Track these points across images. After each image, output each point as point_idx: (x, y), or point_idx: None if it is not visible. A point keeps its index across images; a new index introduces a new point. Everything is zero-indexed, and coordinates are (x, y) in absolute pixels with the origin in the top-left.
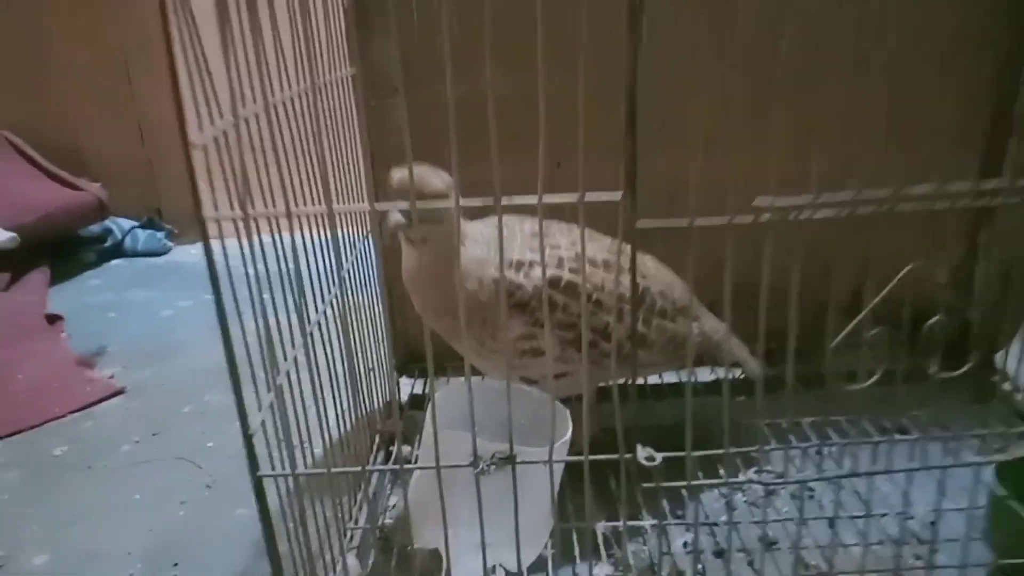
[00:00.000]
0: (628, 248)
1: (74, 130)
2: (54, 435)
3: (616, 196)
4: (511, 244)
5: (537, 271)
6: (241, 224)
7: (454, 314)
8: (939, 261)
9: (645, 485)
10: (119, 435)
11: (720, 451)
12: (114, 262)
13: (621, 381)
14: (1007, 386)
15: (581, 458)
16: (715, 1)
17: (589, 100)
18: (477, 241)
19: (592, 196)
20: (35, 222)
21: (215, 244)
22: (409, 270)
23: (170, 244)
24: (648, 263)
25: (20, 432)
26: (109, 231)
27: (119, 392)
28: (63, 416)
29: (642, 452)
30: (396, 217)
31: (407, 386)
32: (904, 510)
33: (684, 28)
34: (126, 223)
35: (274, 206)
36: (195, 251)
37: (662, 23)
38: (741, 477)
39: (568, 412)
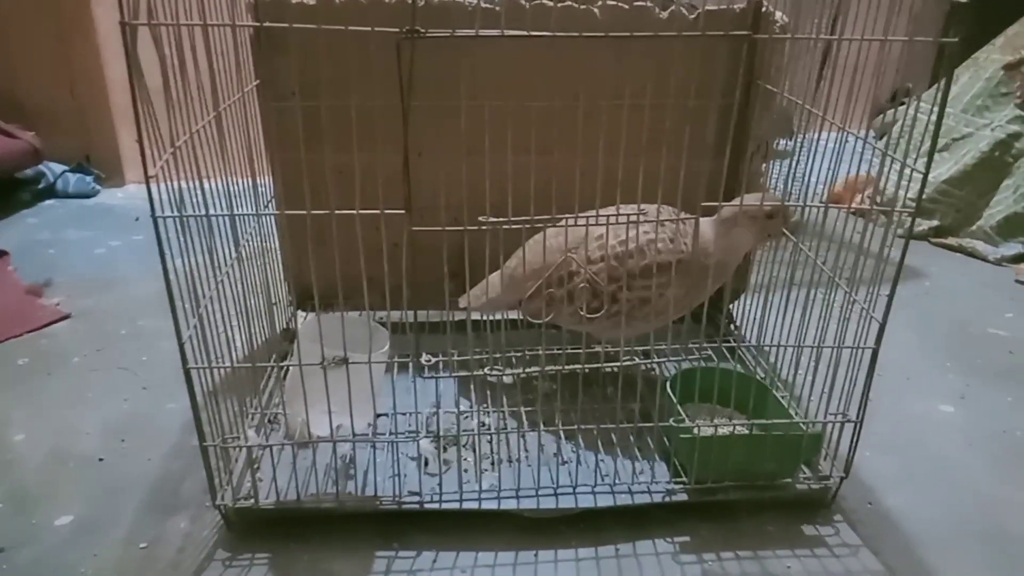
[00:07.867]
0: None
1: (10, 81)
2: (16, 349)
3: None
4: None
5: None
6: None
7: None
8: None
9: (425, 376)
10: (70, 350)
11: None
12: (47, 202)
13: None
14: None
15: (387, 360)
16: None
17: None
18: None
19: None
20: None
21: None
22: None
23: (98, 188)
24: None
25: None
26: (42, 174)
27: (66, 317)
28: (21, 335)
29: (424, 357)
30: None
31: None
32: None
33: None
34: (58, 167)
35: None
36: (121, 195)
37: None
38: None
39: (387, 332)
